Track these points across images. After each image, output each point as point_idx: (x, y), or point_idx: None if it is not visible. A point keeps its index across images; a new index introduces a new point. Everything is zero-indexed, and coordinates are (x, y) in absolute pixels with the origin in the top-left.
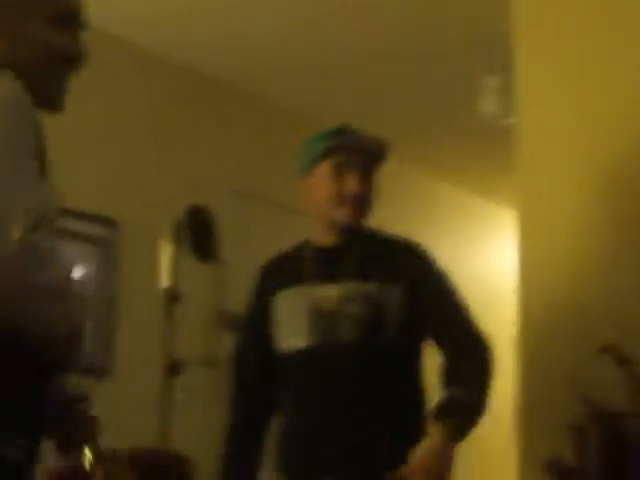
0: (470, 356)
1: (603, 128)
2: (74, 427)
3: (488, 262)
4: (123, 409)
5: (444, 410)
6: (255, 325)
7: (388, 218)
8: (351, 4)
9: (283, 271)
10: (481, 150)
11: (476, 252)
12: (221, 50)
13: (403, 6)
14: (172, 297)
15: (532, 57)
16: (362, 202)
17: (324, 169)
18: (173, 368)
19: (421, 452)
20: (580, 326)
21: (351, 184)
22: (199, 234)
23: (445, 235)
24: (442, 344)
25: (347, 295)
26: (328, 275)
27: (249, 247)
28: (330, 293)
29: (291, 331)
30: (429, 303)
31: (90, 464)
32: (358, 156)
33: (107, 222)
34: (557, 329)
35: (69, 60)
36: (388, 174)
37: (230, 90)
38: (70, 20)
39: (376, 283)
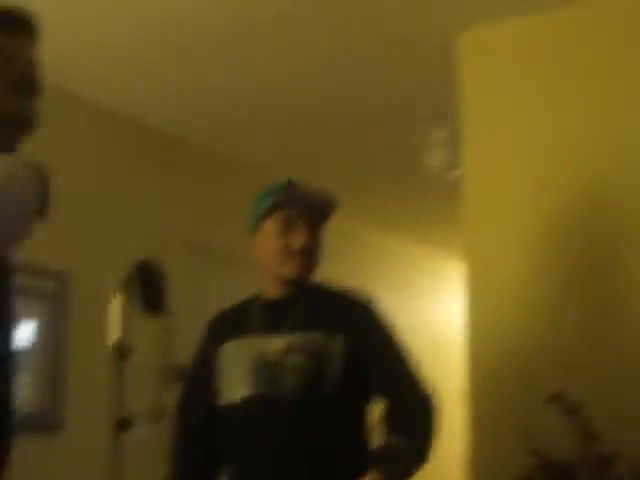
0: (412, 406)
1: (547, 179)
2: None
3: (438, 314)
4: (73, 465)
5: (380, 456)
6: (200, 377)
7: (337, 271)
8: (298, 59)
9: (230, 323)
10: (429, 203)
11: (426, 304)
12: (171, 103)
13: (349, 60)
14: (121, 351)
15: (477, 110)
16: (309, 256)
17: (271, 224)
18: (123, 423)
19: None
20: (528, 376)
21: (298, 239)
22: (148, 287)
23: (394, 288)
24: (385, 395)
25: (291, 346)
26: (274, 327)
27: (199, 299)
28: (275, 344)
29: (234, 382)
30: (373, 355)
31: None
32: (304, 211)
33: (57, 276)
34: (505, 379)
35: (23, 125)
36: (337, 227)
37: (180, 143)
38: (28, 86)
39: (320, 334)
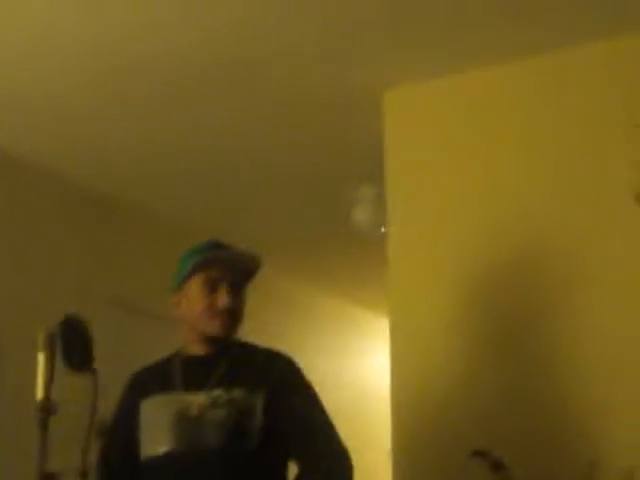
0: (324, 467)
1: (472, 239)
2: None
3: (365, 372)
4: None
5: None
6: (121, 431)
7: (264, 328)
8: (224, 112)
9: (152, 379)
10: (356, 259)
11: (352, 361)
12: (92, 156)
13: (276, 114)
14: (45, 409)
15: (403, 168)
16: (233, 315)
17: (195, 283)
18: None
19: None
20: (452, 434)
21: (222, 298)
22: (72, 344)
23: (321, 343)
24: (297, 457)
25: (213, 402)
26: (196, 383)
27: (124, 356)
28: (197, 400)
29: (155, 436)
30: (290, 414)
31: None
32: (228, 270)
33: None
34: (429, 437)
35: None
36: (263, 284)
37: (105, 199)
38: None
39: (242, 390)
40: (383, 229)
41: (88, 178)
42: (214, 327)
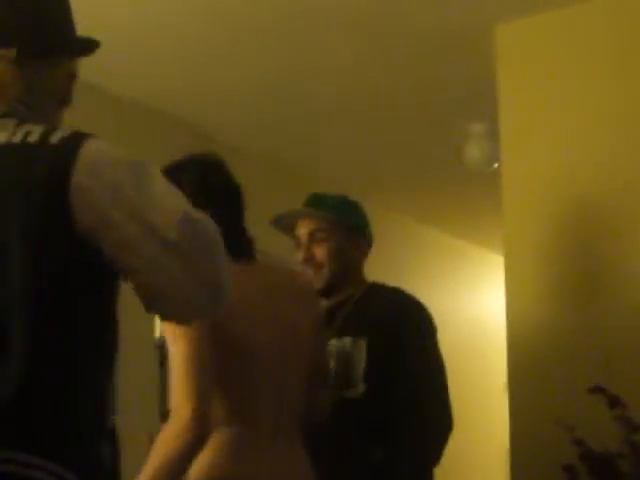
0: (418, 423)
1: (587, 171)
2: None
3: (479, 306)
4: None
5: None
6: None
7: (379, 264)
8: (334, 56)
9: None
10: (469, 195)
11: (467, 297)
12: (213, 104)
13: (384, 57)
14: (165, 346)
15: (516, 103)
16: (314, 266)
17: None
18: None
19: None
20: (568, 367)
21: (299, 253)
22: None
23: (435, 280)
24: (399, 405)
25: (328, 351)
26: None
27: None
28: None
29: None
30: (402, 362)
31: None
32: (303, 225)
33: None
34: (546, 371)
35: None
36: (375, 219)
37: (229, 145)
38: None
39: (350, 338)
40: (496, 165)
41: (213, 126)
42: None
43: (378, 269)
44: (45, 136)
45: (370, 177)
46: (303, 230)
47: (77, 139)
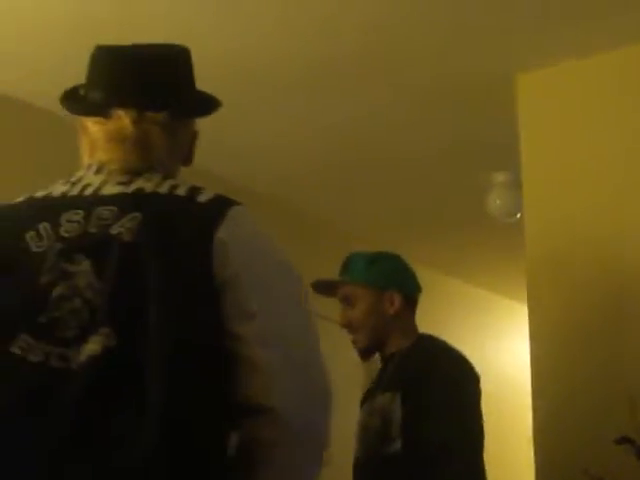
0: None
1: (610, 225)
2: None
3: (505, 357)
4: None
5: None
6: None
7: None
8: (356, 108)
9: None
10: (493, 245)
11: (493, 347)
12: (234, 155)
13: (407, 105)
14: None
15: (539, 153)
16: (352, 330)
17: None
18: None
19: None
20: (595, 417)
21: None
22: None
23: (461, 331)
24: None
25: (372, 410)
26: (376, 390)
27: None
28: (371, 407)
29: (354, 444)
30: (418, 406)
31: None
32: (337, 291)
33: None
34: (572, 421)
35: None
36: None
37: (251, 195)
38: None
39: (388, 393)
40: (519, 215)
41: (234, 176)
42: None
43: None
44: (192, 192)
45: (394, 230)
46: (338, 297)
47: (225, 201)
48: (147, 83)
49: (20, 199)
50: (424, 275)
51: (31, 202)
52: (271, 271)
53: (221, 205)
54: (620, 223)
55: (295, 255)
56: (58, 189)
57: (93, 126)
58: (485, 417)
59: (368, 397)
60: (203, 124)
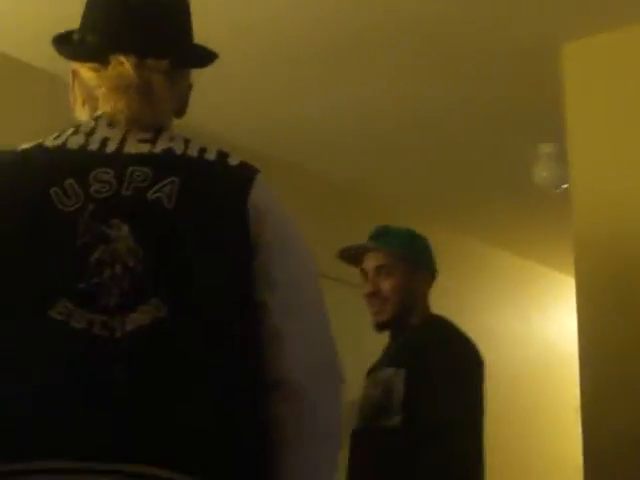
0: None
1: None
2: None
3: (551, 328)
4: None
5: None
6: None
7: (449, 285)
8: (402, 79)
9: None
10: (539, 217)
11: (538, 319)
12: (275, 128)
13: (456, 78)
14: None
15: (585, 123)
16: (380, 299)
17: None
18: None
19: None
20: None
21: (366, 286)
22: None
23: (506, 303)
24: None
25: (376, 382)
26: (382, 363)
27: None
28: (375, 380)
29: (354, 415)
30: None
31: None
32: (370, 259)
33: None
34: (620, 392)
35: None
36: (447, 244)
37: (289, 165)
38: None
39: (394, 368)
40: (565, 186)
41: (273, 146)
42: (371, 313)
43: (450, 293)
44: (221, 156)
45: (439, 201)
46: (370, 264)
47: (252, 167)
48: (147, 29)
49: (26, 146)
50: (470, 246)
51: (45, 152)
52: (295, 241)
53: (250, 171)
54: None
55: (337, 229)
56: (73, 140)
57: (87, 72)
58: (532, 387)
59: (374, 369)
60: (233, 95)
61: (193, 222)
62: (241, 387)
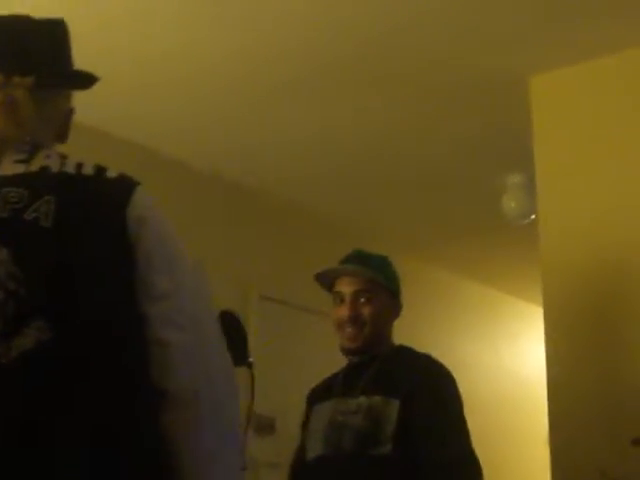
0: (442, 473)
1: (624, 226)
2: None
3: (519, 358)
4: None
5: None
6: (300, 439)
7: (418, 319)
8: (363, 113)
9: (323, 387)
10: (508, 248)
11: (506, 348)
12: (250, 155)
13: (426, 110)
14: None
15: (552, 154)
16: (358, 324)
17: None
18: None
19: None
20: (610, 419)
21: (342, 310)
22: (229, 339)
23: (474, 333)
24: (421, 460)
25: (356, 408)
26: (350, 390)
27: (276, 349)
28: (347, 407)
29: (312, 442)
30: (420, 422)
31: None
32: (348, 283)
33: None
34: (588, 423)
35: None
36: (416, 274)
37: (260, 196)
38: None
39: (381, 396)
40: (533, 216)
41: (240, 177)
42: (341, 339)
43: (417, 323)
44: (99, 170)
45: (408, 231)
46: (348, 288)
47: (130, 180)
48: (17, 49)
49: None
50: (438, 277)
51: None
52: (177, 252)
53: (128, 183)
54: (634, 221)
55: (303, 256)
56: None
57: None
58: (501, 418)
59: (327, 396)
60: (215, 126)
61: (72, 239)
62: (127, 404)
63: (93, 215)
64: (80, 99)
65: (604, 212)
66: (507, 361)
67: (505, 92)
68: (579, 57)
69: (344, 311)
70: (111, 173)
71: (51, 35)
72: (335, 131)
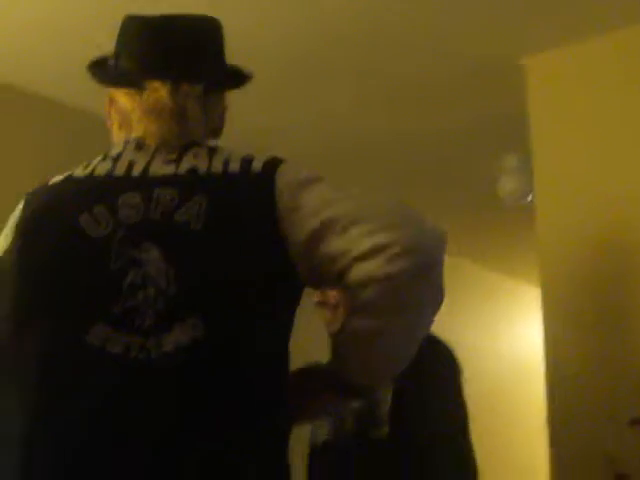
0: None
1: (622, 204)
2: None
3: (516, 339)
4: None
5: None
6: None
7: None
8: (366, 94)
9: None
10: (505, 229)
11: (503, 329)
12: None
13: (417, 90)
14: None
15: (549, 135)
16: (330, 307)
17: None
18: None
19: None
20: (609, 400)
21: (315, 294)
22: None
23: (471, 314)
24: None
25: None
26: None
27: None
28: None
29: (318, 426)
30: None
31: None
32: None
33: None
34: (586, 404)
35: None
36: None
37: None
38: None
39: None
40: (530, 198)
41: None
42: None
43: None
44: (245, 164)
45: None
46: None
47: (274, 164)
48: (181, 55)
49: (57, 179)
50: None
51: (74, 182)
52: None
53: (270, 173)
54: (632, 204)
55: None
56: (101, 167)
57: (123, 97)
58: (498, 398)
59: None
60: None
61: (223, 241)
62: (275, 402)
63: (243, 215)
64: None
65: (601, 193)
66: (504, 343)
67: (501, 74)
68: (575, 37)
69: (315, 296)
70: (257, 163)
71: (211, 36)
72: (333, 116)
